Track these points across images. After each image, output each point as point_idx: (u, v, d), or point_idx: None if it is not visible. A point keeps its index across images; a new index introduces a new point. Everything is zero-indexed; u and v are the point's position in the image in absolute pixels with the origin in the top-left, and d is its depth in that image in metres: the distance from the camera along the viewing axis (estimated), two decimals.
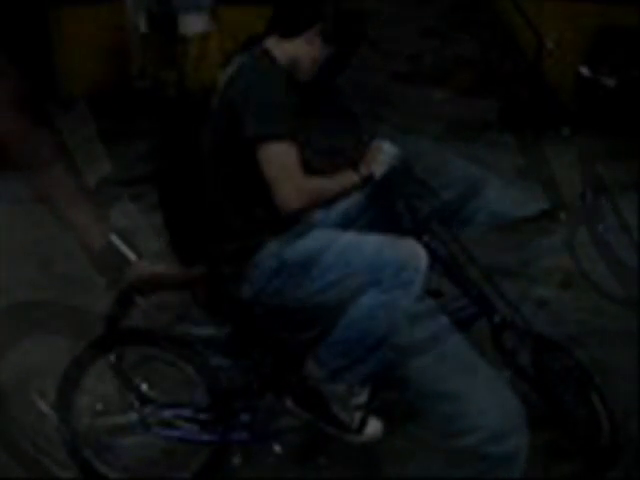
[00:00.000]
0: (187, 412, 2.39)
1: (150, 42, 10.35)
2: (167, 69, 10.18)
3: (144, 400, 2.49)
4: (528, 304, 3.74)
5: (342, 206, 2.43)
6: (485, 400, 2.25)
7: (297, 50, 2.34)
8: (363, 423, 2.29)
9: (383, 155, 2.33)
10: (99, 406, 2.43)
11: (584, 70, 8.14)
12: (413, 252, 2.17)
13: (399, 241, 2.20)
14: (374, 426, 2.32)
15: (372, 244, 2.19)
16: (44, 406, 2.84)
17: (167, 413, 2.39)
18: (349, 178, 2.27)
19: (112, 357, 2.57)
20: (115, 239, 1.70)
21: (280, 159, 2.13)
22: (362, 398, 2.31)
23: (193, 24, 9.33)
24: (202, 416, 2.37)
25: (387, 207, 2.36)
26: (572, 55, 8.35)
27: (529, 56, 8.64)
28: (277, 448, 2.38)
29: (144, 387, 2.67)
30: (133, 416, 2.40)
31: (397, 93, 8.27)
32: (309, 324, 2.33)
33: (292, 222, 2.24)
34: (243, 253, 2.26)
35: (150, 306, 2.75)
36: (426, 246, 2.30)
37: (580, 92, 8.19)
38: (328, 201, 2.26)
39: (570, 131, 7.82)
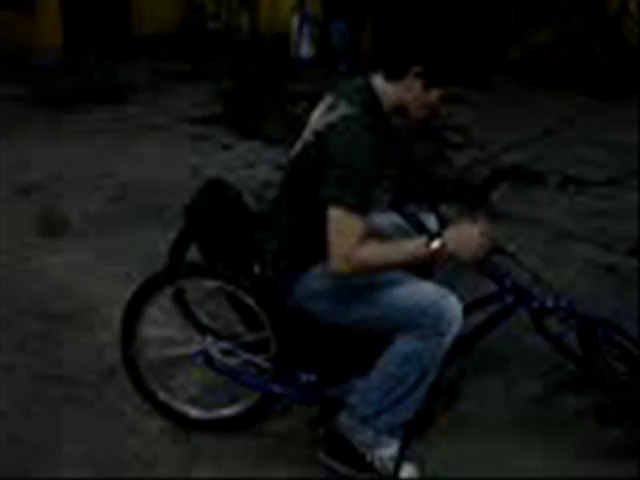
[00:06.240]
0: (247, 354, 2.40)
1: None
2: (241, 12, 10.14)
3: (206, 333, 2.52)
4: (596, 270, 3.71)
5: None
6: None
7: (400, 96, 2.23)
8: (397, 468, 2.33)
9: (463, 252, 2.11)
10: (161, 337, 2.46)
11: None
12: (452, 305, 2.16)
13: (443, 290, 2.19)
14: (408, 470, 2.35)
15: (418, 288, 2.20)
16: (108, 336, 2.91)
17: (227, 347, 2.41)
18: (420, 248, 2.12)
19: (175, 290, 2.60)
20: None
21: (340, 225, 2.11)
22: (391, 450, 2.32)
23: None
24: (260, 361, 2.39)
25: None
26: None
27: (611, 18, 8.39)
28: None
29: (206, 320, 2.70)
30: (194, 348, 2.44)
31: None
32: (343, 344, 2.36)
33: None
34: (293, 267, 2.32)
35: None
36: None
37: None
38: (390, 267, 2.18)
39: None
